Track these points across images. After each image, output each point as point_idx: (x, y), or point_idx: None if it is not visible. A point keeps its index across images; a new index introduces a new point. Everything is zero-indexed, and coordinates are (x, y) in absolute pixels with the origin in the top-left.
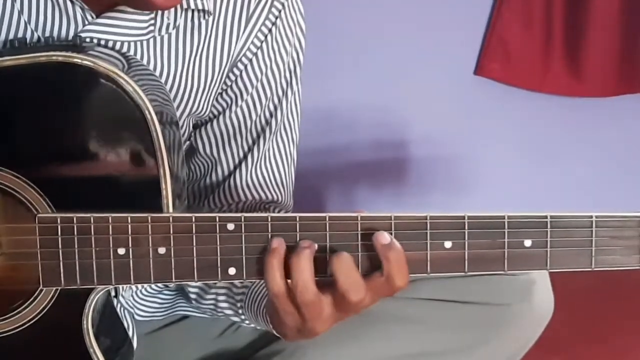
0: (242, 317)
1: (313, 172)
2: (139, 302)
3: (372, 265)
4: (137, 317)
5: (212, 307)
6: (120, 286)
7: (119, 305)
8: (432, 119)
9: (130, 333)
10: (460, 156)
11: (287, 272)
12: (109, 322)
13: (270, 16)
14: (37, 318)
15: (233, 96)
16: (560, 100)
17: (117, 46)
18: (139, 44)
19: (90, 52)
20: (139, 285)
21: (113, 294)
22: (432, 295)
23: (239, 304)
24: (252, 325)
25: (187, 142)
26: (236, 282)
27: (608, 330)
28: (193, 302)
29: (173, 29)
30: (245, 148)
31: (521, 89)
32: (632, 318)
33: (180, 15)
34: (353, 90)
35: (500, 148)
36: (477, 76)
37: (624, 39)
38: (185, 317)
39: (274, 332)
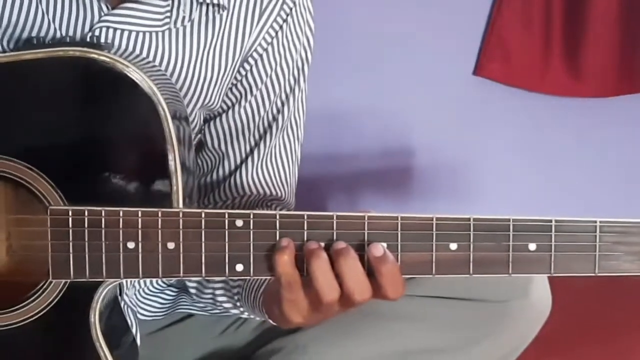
0: (241, 309)
1: (318, 178)
2: (141, 301)
3: None
4: (139, 317)
5: (211, 301)
6: (124, 284)
7: (122, 303)
8: (431, 119)
9: (134, 331)
10: (459, 156)
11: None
12: (116, 318)
13: (282, 13)
14: (45, 310)
15: (243, 91)
16: (560, 100)
17: (133, 36)
18: (154, 34)
19: (107, 50)
20: (142, 283)
21: (117, 291)
22: (431, 293)
23: (236, 297)
24: (251, 316)
25: (198, 136)
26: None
27: (609, 330)
28: (194, 297)
29: (188, 21)
30: (252, 143)
31: (521, 89)
32: (632, 319)
33: (196, 9)
34: (352, 90)
35: (499, 148)
36: (477, 76)
37: (624, 39)
38: (187, 317)
39: (270, 321)
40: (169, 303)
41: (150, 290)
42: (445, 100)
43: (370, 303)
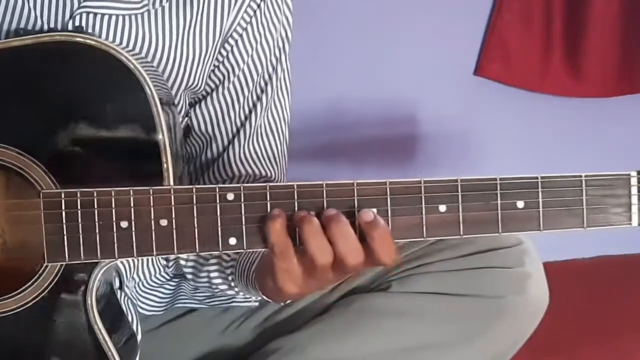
0: (236, 289)
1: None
2: (141, 295)
3: None
4: (140, 310)
5: (207, 284)
6: (125, 275)
7: (123, 296)
8: (431, 119)
9: (134, 326)
10: (459, 156)
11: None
12: (114, 308)
13: None
14: (42, 295)
15: (225, 72)
16: (560, 100)
17: (113, 20)
18: (133, 17)
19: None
20: (142, 276)
21: (117, 285)
22: (427, 289)
23: (230, 277)
24: (246, 296)
25: (185, 120)
26: (224, 256)
27: (608, 330)
28: (191, 282)
29: (166, 2)
30: (238, 124)
31: (521, 89)
32: (632, 319)
33: None
34: (352, 89)
35: (499, 148)
36: (477, 76)
37: (624, 39)
38: (186, 313)
39: (265, 297)
40: (168, 297)
41: (150, 284)
42: (445, 99)
43: (366, 301)
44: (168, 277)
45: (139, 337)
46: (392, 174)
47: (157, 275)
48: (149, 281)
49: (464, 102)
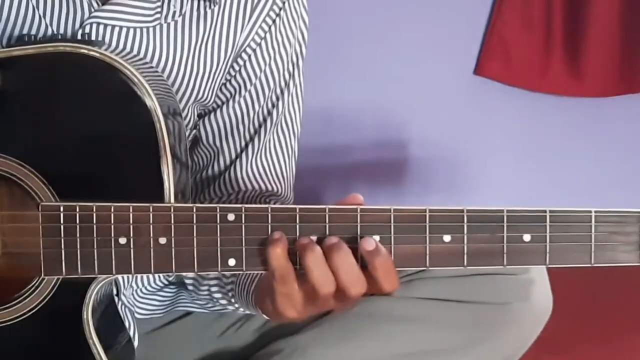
0: (236, 305)
1: (311, 172)
2: (139, 301)
3: None
4: (137, 315)
5: (208, 297)
6: (122, 284)
7: (120, 304)
8: (431, 118)
9: (131, 332)
10: (459, 156)
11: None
12: (110, 317)
13: (275, 7)
14: (37, 308)
15: (237, 86)
16: (560, 100)
17: (123, 32)
18: (144, 30)
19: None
20: (140, 283)
21: (115, 292)
22: (431, 295)
23: (230, 294)
24: (246, 312)
25: (193, 132)
26: (225, 273)
27: (609, 330)
28: (192, 293)
29: (179, 16)
30: (247, 138)
31: (521, 89)
32: (633, 318)
33: (187, 4)
34: (352, 89)
35: (499, 148)
36: (477, 76)
37: (624, 39)
38: (185, 315)
39: (264, 316)
40: (167, 301)
41: (148, 290)
42: (445, 99)
43: (370, 305)
44: (167, 282)
45: (135, 344)
46: (391, 174)
47: (157, 281)
48: (148, 287)
49: (463, 102)
